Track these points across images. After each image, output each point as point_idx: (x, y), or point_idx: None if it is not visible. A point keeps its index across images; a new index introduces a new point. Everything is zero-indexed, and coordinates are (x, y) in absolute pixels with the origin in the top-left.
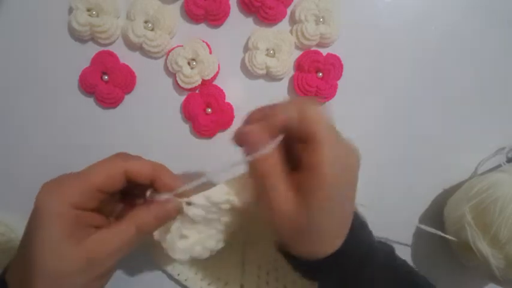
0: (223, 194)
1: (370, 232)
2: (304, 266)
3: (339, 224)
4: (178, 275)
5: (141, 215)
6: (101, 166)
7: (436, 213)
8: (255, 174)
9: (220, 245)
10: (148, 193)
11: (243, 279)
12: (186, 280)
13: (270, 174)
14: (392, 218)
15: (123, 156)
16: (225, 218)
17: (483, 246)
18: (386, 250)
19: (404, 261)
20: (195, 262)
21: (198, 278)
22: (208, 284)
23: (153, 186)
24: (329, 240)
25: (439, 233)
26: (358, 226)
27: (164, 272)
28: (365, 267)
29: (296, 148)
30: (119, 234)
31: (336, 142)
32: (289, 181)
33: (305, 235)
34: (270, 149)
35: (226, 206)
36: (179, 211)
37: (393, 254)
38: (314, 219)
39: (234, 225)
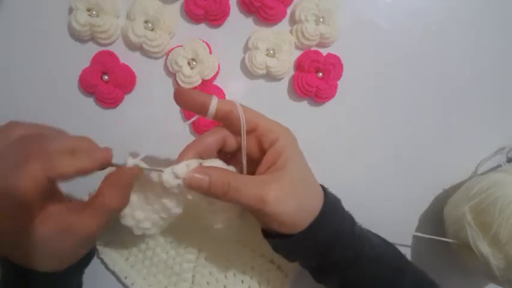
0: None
1: (344, 216)
2: (282, 247)
3: (307, 200)
4: (126, 278)
5: (102, 196)
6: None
7: (436, 213)
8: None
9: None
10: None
11: (193, 284)
12: (132, 284)
13: (229, 181)
14: (392, 218)
15: (37, 156)
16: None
17: (483, 246)
18: (368, 236)
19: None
20: (145, 267)
21: (146, 283)
22: None
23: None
24: (292, 215)
25: (437, 238)
26: (328, 210)
27: (113, 274)
28: (332, 247)
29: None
30: (87, 225)
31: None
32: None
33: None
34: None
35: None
36: (135, 176)
37: (379, 242)
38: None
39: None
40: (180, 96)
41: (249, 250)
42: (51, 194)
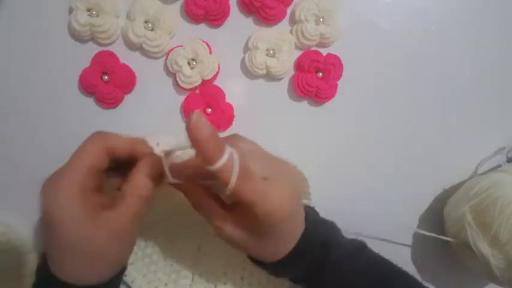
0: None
1: (325, 229)
2: (268, 267)
3: (289, 235)
4: (125, 275)
5: (137, 183)
6: (82, 149)
7: (436, 213)
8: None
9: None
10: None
11: (193, 282)
12: (132, 282)
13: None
14: (392, 218)
15: (100, 134)
16: None
17: (483, 246)
18: (348, 245)
19: (373, 255)
20: (145, 264)
21: (146, 281)
22: None
23: (133, 159)
24: (282, 246)
25: (438, 236)
26: (310, 227)
27: None
28: (320, 263)
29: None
30: (126, 212)
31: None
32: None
33: (259, 249)
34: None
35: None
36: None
37: (358, 248)
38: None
39: None
40: (197, 131)
41: None
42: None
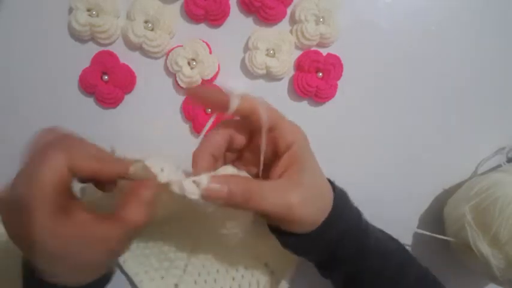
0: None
1: (352, 210)
2: (293, 245)
3: (320, 203)
4: (124, 262)
5: (133, 214)
6: (40, 169)
7: (436, 213)
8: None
9: None
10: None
11: (181, 279)
12: (124, 262)
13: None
14: (393, 218)
15: (61, 153)
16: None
17: (483, 246)
18: (376, 235)
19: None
20: (139, 247)
21: (137, 263)
22: (146, 272)
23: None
24: (313, 216)
25: (438, 236)
26: (338, 207)
27: None
28: (341, 243)
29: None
30: (117, 234)
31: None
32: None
33: (294, 217)
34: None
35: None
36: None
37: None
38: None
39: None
40: (197, 96)
41: (246, 250)
42: (71, 196)
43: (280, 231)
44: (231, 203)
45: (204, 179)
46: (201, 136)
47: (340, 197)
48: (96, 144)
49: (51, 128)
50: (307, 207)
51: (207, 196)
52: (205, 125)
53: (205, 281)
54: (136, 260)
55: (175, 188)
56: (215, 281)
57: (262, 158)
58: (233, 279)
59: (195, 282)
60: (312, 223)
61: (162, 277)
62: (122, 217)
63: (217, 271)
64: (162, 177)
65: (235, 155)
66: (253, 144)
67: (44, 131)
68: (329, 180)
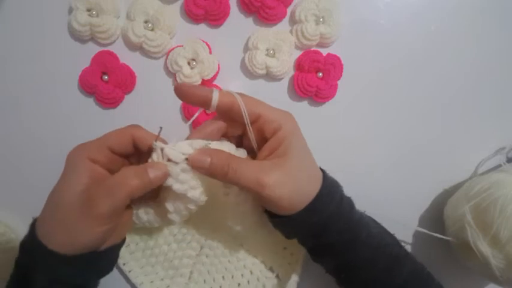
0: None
1: (341, 201)
2: (279, 225)
3: (309, 180)
4: (124, 264)
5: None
6: (113, 132)
7: (436, 213)
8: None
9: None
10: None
11: (187, 287)
12: (130, 272)
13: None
14: (393, 217)
15: (133, 126)
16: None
17: (483, 246)
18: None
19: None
20: (145, 256)
21: (143, 273)
22: (151, 282)
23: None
24: (291, 200)
25: (438, 236)
26: (324, 194)
27: None
28: (327, 229)
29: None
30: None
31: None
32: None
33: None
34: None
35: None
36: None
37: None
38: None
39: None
40: (181, 92)
41: (251, 255)
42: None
43: (272, 214)
44: (211, 174)
45: (189, 149)
46: (189, 123)
47: (328, 186)
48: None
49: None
50: (282, 188)
51: (191, 163)
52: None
53: None
54: (142, 270)
55: (167, 152)
56: (220, 287)
57: (255, 146)
58: (239, 285)
59: None
60: (291, 205)
61: (168, 286)
62: (117, 179)
63: (223, 278)
64: (157, 146)
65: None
66: (246, 134)
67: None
68: (321, 170)
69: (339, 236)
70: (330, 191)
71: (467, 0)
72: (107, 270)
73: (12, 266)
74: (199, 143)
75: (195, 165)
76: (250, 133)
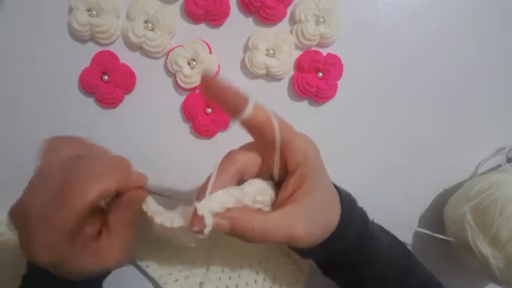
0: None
1: (358, 220)
2: (300, 252)
3: (328, 216)
4: (141, 260)
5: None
6: (94, 187)
7: (436, 213)
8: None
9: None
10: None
11: (205, 277)
12: (147, 267)
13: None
14: (393, 217)
15: (120, 176)
16: None
17: (483, 246)
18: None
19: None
20: (161, 250)
21: (160, 265)
22: (169, 274)
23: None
24: (318, 238)
25: (438, 236)
26: (345, 221)
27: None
28: (344, 252)
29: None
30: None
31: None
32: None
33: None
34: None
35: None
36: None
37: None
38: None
39: None
40: (210, 87)
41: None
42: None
43: None
44: (236, 236)
45: (228, 199)
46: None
47: (347, 209)
48: (96, 144)
49: (61, 139)
50: (311, 233)
51: (214, 228)
52: (206, 125)
53: (230, 277)
54: (159, 263)
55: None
56: (239, 276)
57: (276, 176)
58: (257, 273)
59: (219, 279)
60: (315, 242)
61: (187, 277)
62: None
63: (240, 266)
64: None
65: None
66: (265, 161)
67: (57, 141)
68: (335, 186)
69: (355, 253)
70: (348, 217)
71: (467, 0)
72: None
73: (12, 266)
74: (236, 192)
75: (215, 228)
76: (277, 163)
